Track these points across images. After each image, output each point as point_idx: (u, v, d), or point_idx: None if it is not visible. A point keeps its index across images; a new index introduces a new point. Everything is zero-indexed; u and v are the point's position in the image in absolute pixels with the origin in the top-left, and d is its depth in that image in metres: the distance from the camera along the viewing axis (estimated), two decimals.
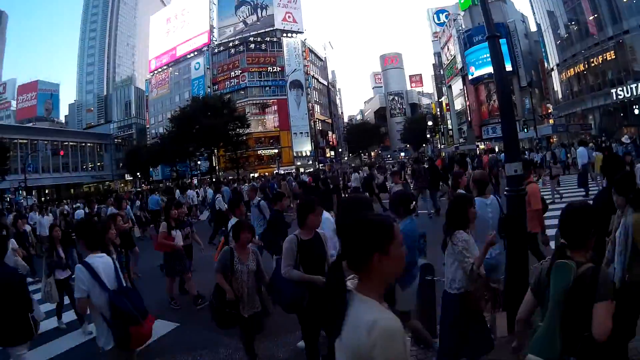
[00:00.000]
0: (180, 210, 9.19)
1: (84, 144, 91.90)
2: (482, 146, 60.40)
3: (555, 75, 54.36)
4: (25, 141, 76.83)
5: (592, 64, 45.21)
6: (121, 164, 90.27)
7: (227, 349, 6.07)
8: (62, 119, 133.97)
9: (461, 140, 75.71)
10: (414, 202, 5.14)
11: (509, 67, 52.74)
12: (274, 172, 50.96)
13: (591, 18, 43.95)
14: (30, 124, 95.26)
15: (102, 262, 4.18)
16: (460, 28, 68.42)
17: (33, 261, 12.63)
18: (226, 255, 5.02)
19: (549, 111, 58.08)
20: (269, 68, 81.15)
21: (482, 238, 4.14)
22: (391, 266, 1.80)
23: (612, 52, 41.81)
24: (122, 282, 4.26)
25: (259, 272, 5.13)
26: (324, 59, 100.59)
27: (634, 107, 39.08)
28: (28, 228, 15.86)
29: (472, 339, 3.90)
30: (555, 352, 2.39)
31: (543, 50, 56.67)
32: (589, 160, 17.03)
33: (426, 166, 17.50)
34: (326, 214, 5.40)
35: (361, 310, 1.72)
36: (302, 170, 56.93)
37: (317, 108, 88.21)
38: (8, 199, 57.71)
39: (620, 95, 40.63)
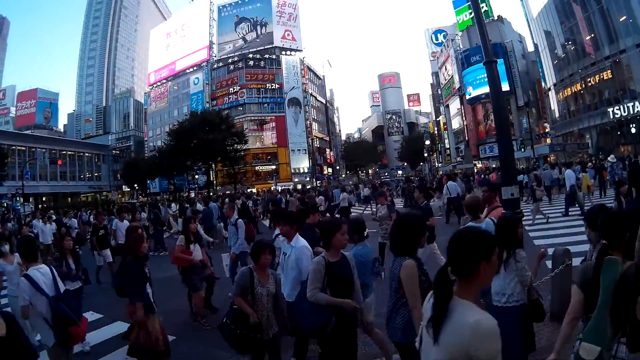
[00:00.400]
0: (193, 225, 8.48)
1: (82, 154, 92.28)
2: (479, 165, 60.94)
3: (552, 94, 54.80)
4: (23, 148, 77.12)
5: (589, 84, 45.58)
6: (119, 175, 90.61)
7: None
8: (60, 128, 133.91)
9: (458, 159, 76.09)
10: (366, 230, 5.38)
11: (506, 87, 53.70)
12: (271, 187, 51.35)
13: (588, 38, 44.53)
14: (29, 132, 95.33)
15: (41, 272, 4.83)
16: (458, 48, 69.11)
17: None
18: (245, 277, 4.74)
19: (546, 130, 58.20)
20: (267, 85, 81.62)
21: None
22: (490, 273, 2.12)
23: (609, 71, 42.18)
24: (59, 289, 4.89)
25: (277, 294, 4.91)
26: (322, 77, 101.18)
27: (631, 125, 39.51)
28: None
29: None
30: (606, 338, 2.69)
31: (540, 70, 57.13)
32: (577, 182, 17.63)
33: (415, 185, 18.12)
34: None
35: (464, 312, 1.98)
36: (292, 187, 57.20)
37: (315, 125, 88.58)
38: (5, 205, 57.91)
39: (617, 114, 40.94)
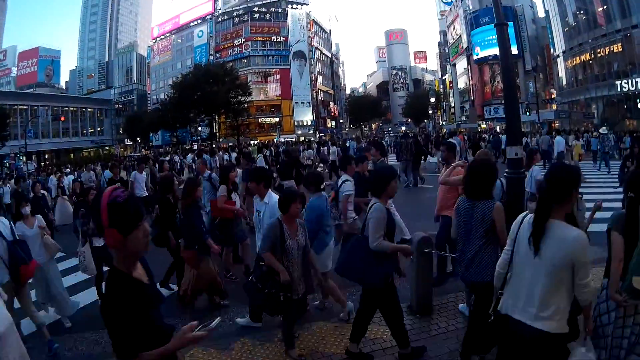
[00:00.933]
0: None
1: (84, 109, 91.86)
2: (483, 125, 60.57)
3: (560, 61, 54.21)
4: (25, 107, 76.87)
5: (599, 55, 45.17)
6: (121, 129, 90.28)
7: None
8: (62, 85, 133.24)
9: (463, 118, 75.40)
10: (324, 183, 5.92)
11: (515, 50, 53.71)
12: (274, 139, 51.08)
13: (600, 10, 43.87)
14: (30, 90, 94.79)
15: (2, 222, 5.57)
16: (467, 8, 68.08)
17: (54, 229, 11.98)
18: (275, 230, 4.44)
19: (553, 96, 57.96)
20: (272, 38, 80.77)
21: None
22: (574, 200, 2.85)
23: (619, 44, 41.82)
24: (15, 235, 5.60)
25: (306, 247, 4.67)
26: (328, 31, 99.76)
27: (638, 100, 39.58)
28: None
29: None
30: None
31: (550, 36, 56.32)
32: (566, 148, 18.55)
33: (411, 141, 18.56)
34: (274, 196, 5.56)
35: (564, 229, 2.67)
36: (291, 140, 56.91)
37: (319, 79, 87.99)
38: (8, 164, 57.86)
39: (625, 87, 40.85)
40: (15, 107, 73.32)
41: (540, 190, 2.94)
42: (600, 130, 26.70)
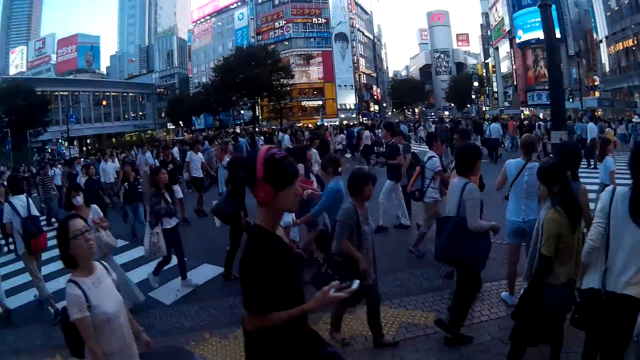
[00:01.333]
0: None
1: (125, 94, 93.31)
2: (526, 112, 59.09)
3: (603, 47, 52.38)
4: (66, 93, 78.62)
5: None
6: (163, 114, 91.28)
7: None
8: (103, 70, 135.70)
9: (506, 104, 74.23)
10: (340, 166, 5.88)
11: (557, 34, 51.49)
12: (317, 123, 50.60)
13: None
14: (71, 76, 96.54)
15: (19, 201, 6.73)
16: None
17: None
18: (352, 215, 4.18)
19: (595, 83, 56.39)
20: (313, 19, 79.74)
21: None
22: None
23: None
24: (30, 212, 6.64)
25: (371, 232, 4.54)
26: (369, 13, 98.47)
27: None
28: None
29: None
30: None
31: (592, 20, 54.35)
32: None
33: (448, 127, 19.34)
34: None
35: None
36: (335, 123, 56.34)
37: (362, 61, 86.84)
38: (50, 150, 58.96)
39: None
40: (57, 93, 74.99)
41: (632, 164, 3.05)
42: (634, 119, 26.73)
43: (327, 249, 4.55)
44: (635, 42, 44.60)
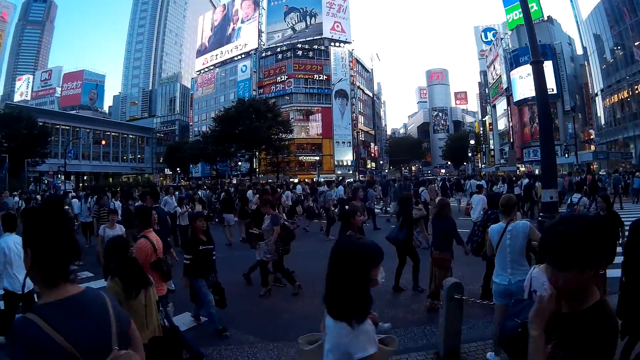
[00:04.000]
0: None
1: (125, 135, 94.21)
2: (522, 168, 59.53)
3: (599, 100, 53.12)
4: (67, 127, 79.27)
5: (636, 91, 44.25)
6: (162, 159, 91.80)
7: (252, 347, 6.00)
8: (105, 109, 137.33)
9: (502, 161, 74.52)
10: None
11: (554, 90, 53.67)
12: (314, 179, 50.84)
13: (637, 43, 43.14)
14: (73, 112, 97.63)
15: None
16: (507, 47, 67.81)
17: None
18: None
19: (591, 137, 56.96)
20: (315, 76, 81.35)
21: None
22: None
23: None
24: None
25: None
26: (370, 70, 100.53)
27: None
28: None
29: None
30: None
31: (588, 74, 55.58)
32: None
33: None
34: None
35: None
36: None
37: (361, 118, 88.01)
38: (46, 181, 59.14)
39: None
40: (58, 126, 75.51)
41: None
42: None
43: None
44: (630, 93, 45.28)
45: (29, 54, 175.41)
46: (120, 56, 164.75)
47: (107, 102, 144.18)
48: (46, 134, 58.42)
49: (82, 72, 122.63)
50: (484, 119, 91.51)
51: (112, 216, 8.50)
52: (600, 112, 53.67)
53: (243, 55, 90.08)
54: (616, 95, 48.26)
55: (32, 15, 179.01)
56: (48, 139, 60.22)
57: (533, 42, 5.66)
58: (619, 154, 46.20)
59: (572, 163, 46.13)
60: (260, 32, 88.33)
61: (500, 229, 5.14)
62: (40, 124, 58.25)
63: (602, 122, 53.23)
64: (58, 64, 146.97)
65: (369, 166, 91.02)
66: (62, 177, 56.89)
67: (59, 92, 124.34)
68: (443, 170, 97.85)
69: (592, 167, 48.81)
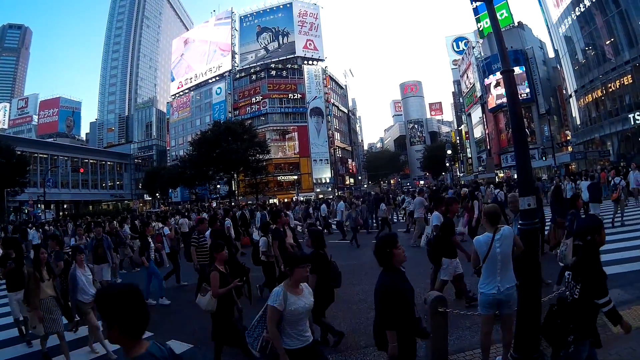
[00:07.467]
0: None
1: (104, 162, 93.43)
2: (501, 174, 60.23)
3: (573, 101, 53.66)
4: (45, 156, 78.39)
5: (610, 89, 44.62)
6: (140, 184, 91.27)
7: None
8: (82, 136, 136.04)
9: (480, 168, 75.28)
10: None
11: (528, 94, 55.59)
12: (293, 198, 50.93)
13: (608, 42, 43.66)
14: (51, 139, 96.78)
15: None
16: (479, 56, 68.78)
17: None
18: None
19: (568, 138, 57.60)
20: (289, 95, 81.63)
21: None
22: None
23: (629, 76, 41.08)
24: None
25: None
26: (344, 87, 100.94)
27: None
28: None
29: None
30: None
31: (561, 76, 56.28)
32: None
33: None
34: None
35: None
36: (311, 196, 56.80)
37: (337, 135, 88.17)
38: (27, 211, 58.56)
39: (638, 119, 39.86)
40: (36, 155, 74.57)
41: None
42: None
43: None
44: (604, 92, 45.60)
45: (5, 81, 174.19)
46: (96, 82, 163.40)
47: (84, 129, 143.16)
48: (25, 163, 57.61)
49: (58, 99, 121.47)
50: (459, 128, 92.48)
51: (80, 256, 7.78)
52: (575, 112, 54.19)
53: (217, 78, 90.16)
54: (590, 95, 48.71)
55: (7, 42, 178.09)
56: (27, 168, 59.46)
57: (502, 51, 5.71)
58: (596, 153, 46.51)
59: (551, 165, 46.69)
60: (233, 53, 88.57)
61: (488, 239, 5.00)
62: (19, 152, 57.68)
63: (578, 122, 53.71)
64: (34, 91, 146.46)
65: (347, 182, 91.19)
66: (42, 207, 56.27)
67: (36, 120, 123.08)
68: (422, 182, 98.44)
69: (570, 167, 49.18)
